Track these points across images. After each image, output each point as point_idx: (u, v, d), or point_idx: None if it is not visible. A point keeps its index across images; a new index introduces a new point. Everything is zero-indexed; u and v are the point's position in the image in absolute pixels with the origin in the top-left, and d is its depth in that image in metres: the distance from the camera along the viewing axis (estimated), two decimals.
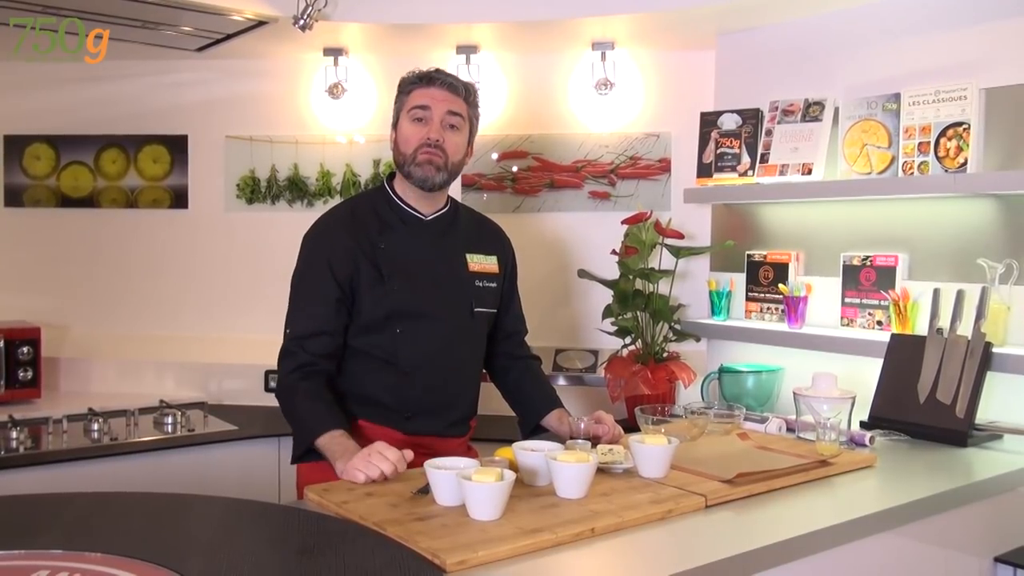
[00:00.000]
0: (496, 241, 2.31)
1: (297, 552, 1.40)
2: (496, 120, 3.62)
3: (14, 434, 2.88)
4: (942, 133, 2.56)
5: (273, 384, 3.54)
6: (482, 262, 2.22)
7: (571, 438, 2.07)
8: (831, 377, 2.35)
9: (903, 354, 2.51)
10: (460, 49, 3.50)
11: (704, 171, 3.17)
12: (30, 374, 3.33)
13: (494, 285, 2.24)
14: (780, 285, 2.99)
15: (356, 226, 2.12)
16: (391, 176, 2.21)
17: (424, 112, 2.08)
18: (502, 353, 2.35)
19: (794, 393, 2.36)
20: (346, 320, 2.09)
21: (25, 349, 3.32)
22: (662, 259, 3.24)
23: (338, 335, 2.09)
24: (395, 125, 2.15)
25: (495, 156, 3.63)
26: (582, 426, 2.12)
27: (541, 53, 3.54)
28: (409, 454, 1.83)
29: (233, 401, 3.57)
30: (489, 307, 2.24)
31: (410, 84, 2.13)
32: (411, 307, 2.09)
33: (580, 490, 1.70)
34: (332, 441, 1.93)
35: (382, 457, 1.80)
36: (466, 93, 2.13)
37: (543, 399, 2.28)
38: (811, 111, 2.92)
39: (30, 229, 3.82)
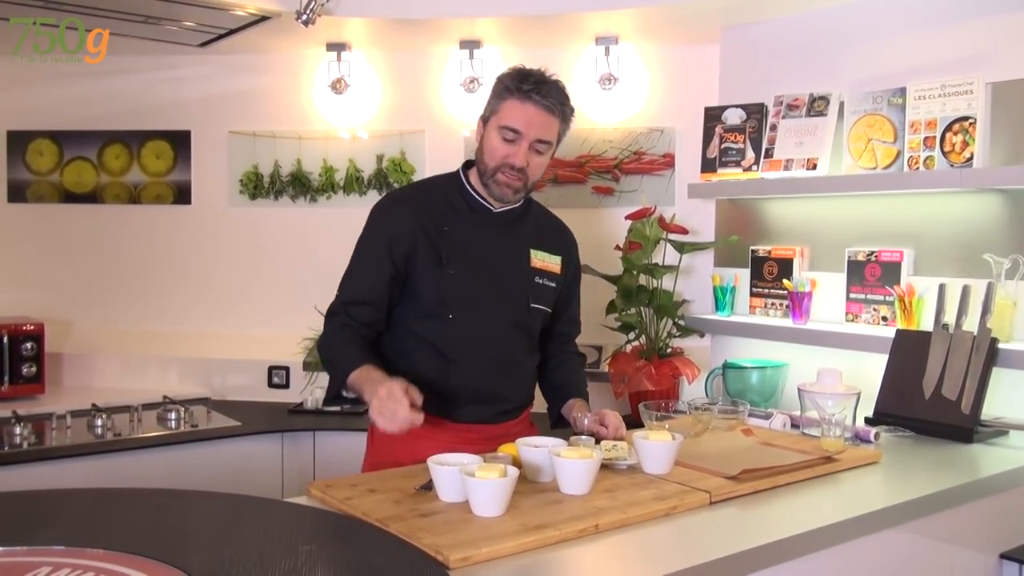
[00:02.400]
0: (563, 243, 2.29)
1: (300, 548, 1.40)
2: None
3: (18, 430, 2.88)
4: (948, 128, 2.54)
5: (277, 380, 3.56)
6: (545, 260, 2.21)
7: (574, 433, 2.07)
8: (836, 373, 2.34)
9: (908, 350, 2.50)
10: (463, 44, 3.49)
11: (708, 166, 3.16)
12: (34, 370, 3.33)
13: (553, 285, 2.22)
14: (785, 280, 2.98)
15: (423, 207, 2.12)
16: (467, 164, 2.19)
17: (515, 136, 2.02)
18: (547, 349, 2.34)
19: (799, 389, 2.35)
20: (392, 295, 2.10)
21: (29, 345, 3.32)
22: (666, 254, 3.23)
23: (381, 308, 2.11)
24: (485, 121, 2.08)
25: None
26: (586, 422, 2.11)
27: (545, 48, 3.53)
28: (418, 398, 1.84)
29: (237, 397, 3.57)
30: (545, 305, 2.22)
31: (507, 92, 2.03)
32: (466, 294, 2.08)
33: (584, 486, 1.70)
34: (359, 376, 1.96)
35: (392, 415, 1.80)
36: (561, 114, 2.05)
37: (565, 388, 2.28)
38: (816, 106, 2.90)
39: (33, 225, 3.82)
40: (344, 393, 2.04)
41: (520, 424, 2.22)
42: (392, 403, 1.81)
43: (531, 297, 2.17)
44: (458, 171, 2.20)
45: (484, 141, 2.08)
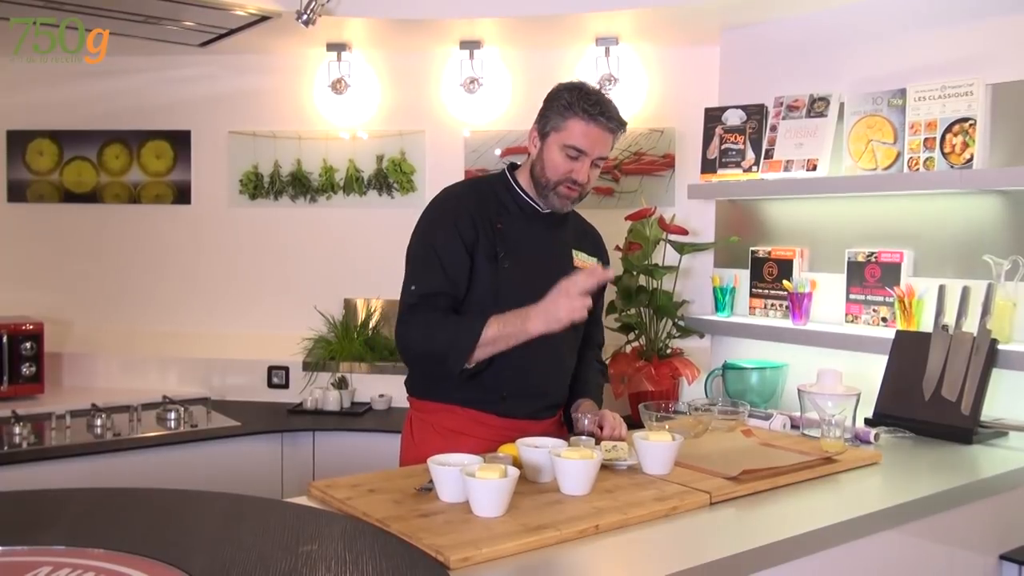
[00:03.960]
0: (598, 247, 2.35)
1: (300, 549, 1.40)
2: (500, 116, 3.61)
3: (17, 429, 2.88)
4: (948, 129, 2.55)
5: (276, 380, 3.56)
6: (586, 261, 2.25)
7: (575, 434, 2.07)
8: (836, 374, 2.34)
9: (908, 351, 2.50)
10: (463, 44, 3.50)
11: (708, 167, 3.16)
12: (33, 369, 3.33)
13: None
14: (784, 281, 2.98)
15: (478, 203, 2.15)
16: (512, 166, 2.24)
17: (579, 155, 2.07)
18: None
19: (799, 390, 2.35)
20: (467, 283, 2.10)
21: (28, 344, 3.32)
22: (666, 255, 3.23)
23: (459, 296, 2.10)
24: (543, 136, 2.11)
25: (499, 152, 3.62)
26: (585, 423, 2.11)
27: (545, 48, 3.53)
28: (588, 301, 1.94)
29: (236, 397, 3.57)
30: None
31: (572, 109, 2.06)
32: (518, 289, 2.09)
33: (584, 487, 1.70)
34: (501, 320, 1.98)
35: (576, 293, 1.92)
36: (619, 131, 2.11)
37: (578, 389, 2.29)
38: (816, 107, 2.90)
39: (33, 224, 3.82)
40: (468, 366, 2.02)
41: (556, 422, 2.25)
42: (567, 299, 1.92)
43: None
44: (504, 172, 2.23)
45: (545, 155, 2.11)
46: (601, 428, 2.10)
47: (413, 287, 2.11)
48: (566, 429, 2.25)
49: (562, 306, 1.94)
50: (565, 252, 2.23)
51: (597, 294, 2.33)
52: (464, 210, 2.13)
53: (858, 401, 2.27)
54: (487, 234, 2.11)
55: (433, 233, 2.14)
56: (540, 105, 2.15)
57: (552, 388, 2.22)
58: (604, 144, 2.10)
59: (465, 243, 2.09)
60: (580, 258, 2.24)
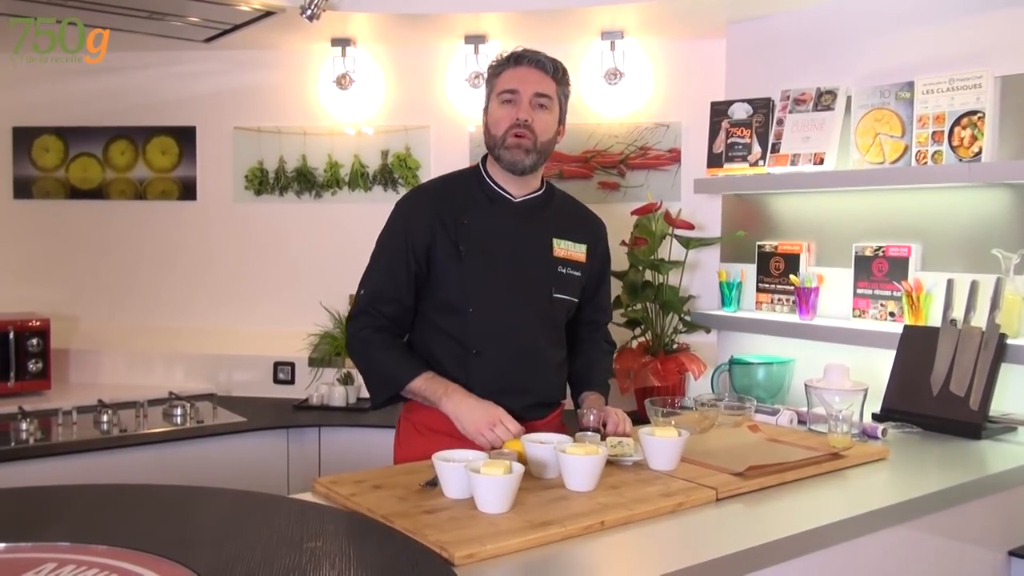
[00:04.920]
0: (589, 231, 2.27)
1: (305, 545, 1.39)
2: None
3: (24, 425, 2.89)
4: (956, 122, 2.53)
5: (282, 376, 3.56)
6: (569, 249, 2.19)
7: (580, 430, 2.06)
8: (843, 369, 2.33)
9: (916, 345, 2.49)
10: (468, 39, 3.49)
11: (714, 161, 3.14)
12: (40, 366, 3.34)
13: (578, 274, 2.20)
14: (791, 276, 2.96)
15: (442, 200, 2.14)
16: (486, 157, 2.21)
17: (513, 95, 2.08)
18: (575, 336, 2.31)
19: (806, 385, 2.34)
20: (415, 291, 2.12)
21: (35, 341, 3.33)
22: (672, 250, 3.22)
23: (407, 305, 2.12)
24: (486, 109, 2.15)
25: None
26: (591, 419, 2.10)
27: (550, 43, 3.49)
28: (521, 430, 1.95)
29: (242, 393, 3.57)
30: (570, 295, 2.20)
31: (499, 67, 2.13)
32: (485, 286, 2.08)
33: (589, 483, 1.69)
34: (429, 383, 2.04)
35: (505, 430, 1.94)
36: (554, 71, 2.11)
37: (583, 378, 2.27)
38: (823, 100, 2.89)
39: (39, 221, 3.83)
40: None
41: (549, 424, 2.17)
42: (502, 423, 1.95)
43: (553, 287, 2.15)
44: (478, 164, 2.21)
45: (488, 120, 2.13)
46: (605, 425, 2.08)
47: (361, 291, 2.15)
48: (567, 430, 2.19)
49: (478, 424, 1.96)
50: (542, 242, 2.16)
51: (598, 277, 2.29)
52: (420, 212, 2.12)
53: (865, 396, 2.26)
54: (448, 233, 2.09)
55: (386, 239, 2.16)
56: None
57: (534, 386, 2.14)
58: (537, 80, 2.08)
59: (414, 251, 2.09)
60: (561, 246, 2.18)
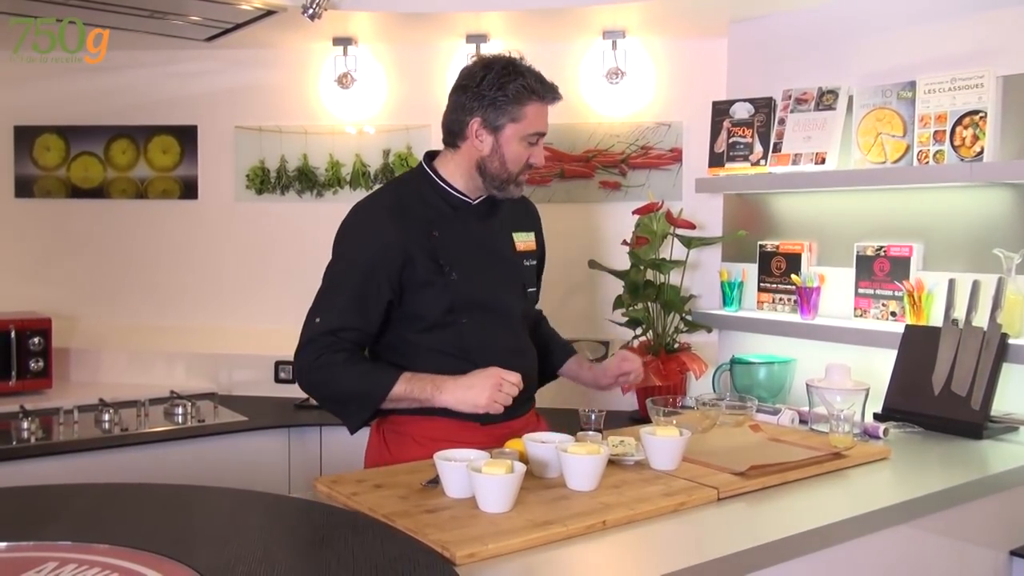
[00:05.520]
0: (531, 216, 2.25)
1: (306, 544, 1.39)
2: None
3: (25, 424, 2.89)
4: (958, 121, 2.52)
5: (284, 375, 3.55)
6: (525, 240, 2.17)
7: (581, 429, 2.05)
8: (844, 368, 2.33)
9: (917, 345, 2.49)
10: (470, 38, 3.48)
11: (716, 160, 3.14)
12: (41, 364, 3.34)
13: (534, 263, 2.20)
14: (793, 275, 2.96)
15: (405, 216, 1.99)
16: (430, 156, 2.11)
17: (538, 138, 2.00)
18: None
19: (807, 384, 2.34)
20: (384, 317, 1.99)
21: (36, 340, 3.33)
22: (673, 249, 3.22)
23: (372, 332, 1.99)
24: (495, 129, 1.98)
25: None
26: (593, 417, 2.10)
27: (551, 42, 3.51)
28: (519, 378, 1.88)
29: (243, 392, 3.57)
30: (536, 286, 2.20)
31: (526, 95, 1.96)
32: (473, 296, 2.01)
33: (591, 482, 1.69)
34: (411, 383, 1.90)
35: (510, 385, 1.86)
36: None
37: (558, 350, 2.28)
38: (825, 99, 2.88)
39: (40, 220, 3.83)
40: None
41: (529, 420, 2.18)
42: (505, 379, 1.87)
43: (525, 282, 2.16)
44: (422, 167, 2.10)
45: (504, 150, 1.99)
46: (628, 373, 2.12)
47: (318, 319, 1.96)
48: (544, 423, 2.20)
49: (486, 393, 1.86)
50: (504, 239, 2.12)
51: (542, 257, 2.26)
52: (387, 237, 1.96)
53: (867, 396, 2.26)
54: (424, 251, 1.96)
55: (345, 268, 1.99)
56: None
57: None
58: (547, 118, 2.04)
59: (389, 280, 1.94)
60: (519, 239, 2.14)
